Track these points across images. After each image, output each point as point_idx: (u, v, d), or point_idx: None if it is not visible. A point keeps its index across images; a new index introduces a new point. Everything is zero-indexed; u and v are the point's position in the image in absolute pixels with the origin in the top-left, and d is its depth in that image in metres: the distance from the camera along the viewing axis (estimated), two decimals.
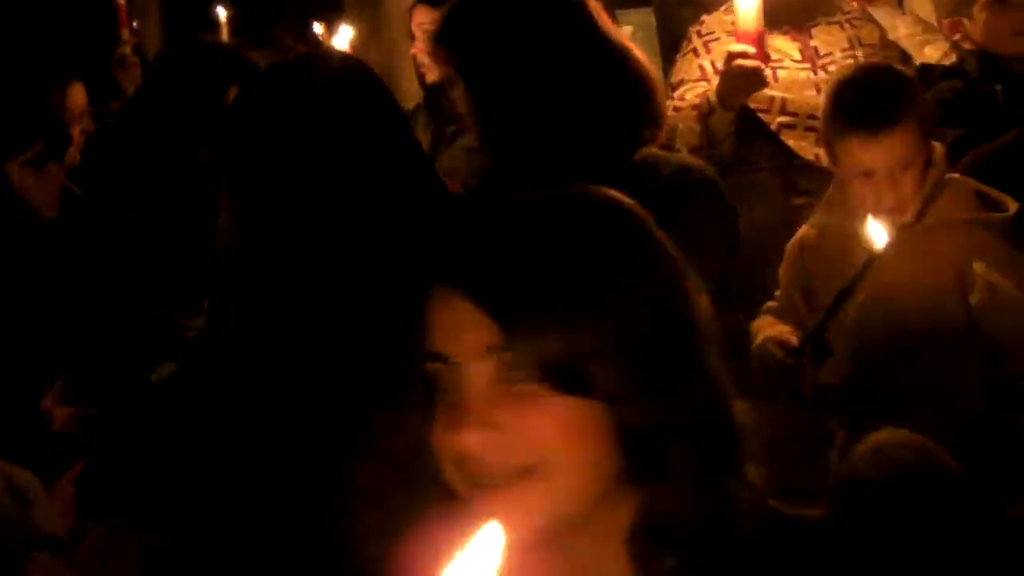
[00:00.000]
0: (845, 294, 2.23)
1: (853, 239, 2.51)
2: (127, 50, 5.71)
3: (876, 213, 2.45)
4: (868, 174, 2.47)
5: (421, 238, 1.49)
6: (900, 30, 3.31)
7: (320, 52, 3.15)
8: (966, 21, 3.32)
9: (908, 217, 2.50)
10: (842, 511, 1.69)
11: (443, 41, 2.09)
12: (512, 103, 2.02)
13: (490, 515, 0.93)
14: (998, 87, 3.13)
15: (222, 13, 5.51)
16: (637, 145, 2.08)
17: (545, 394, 1.07)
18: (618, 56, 2.04)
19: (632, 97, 2.05)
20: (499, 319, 1.08)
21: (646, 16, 5.31)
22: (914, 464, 1.96)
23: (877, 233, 2.17)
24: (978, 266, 2.20)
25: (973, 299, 2.25)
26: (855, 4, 3.38)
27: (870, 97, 2.49)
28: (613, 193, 1.19)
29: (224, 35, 5.30)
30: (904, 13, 3.54)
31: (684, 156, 2.56)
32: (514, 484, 1.08)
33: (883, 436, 2.20)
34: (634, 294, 1.11)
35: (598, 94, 2.01)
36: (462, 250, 1.14)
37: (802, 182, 3.27)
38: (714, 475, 1.11)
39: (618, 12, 6.42)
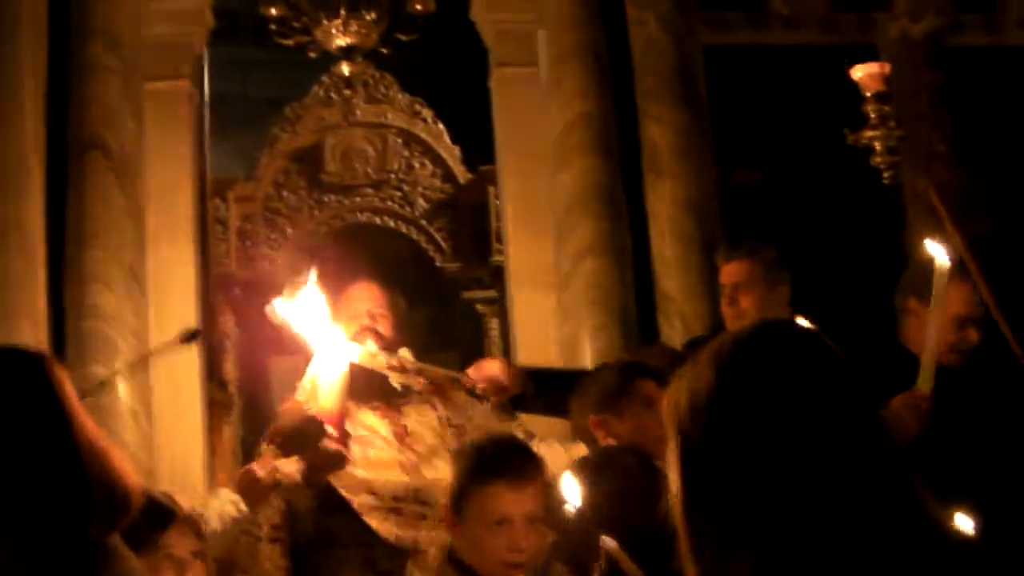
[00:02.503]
0: None
1: None
2: None
3: (508, 563, 2.58)
4: (506, 522, 2.60)
5: None
6: (475, 420, 3.47)
7: None
8: (613, 419, 3.43)
9: None
10: None
11: None
12: None
13: None
14: None
15: None
16: (107, 531, 2.08)
17: None
18: (76, 449, 2.07)
19: (90, 488, 2.07)
20: None
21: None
22: None
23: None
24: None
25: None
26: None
27: (513, 452, 2.72)
28: None
29: None
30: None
31: None
32: None
33: None
34: None
35: (51, 484, 2.03)
36: None
37: (382, 562, 3.32)
38: None
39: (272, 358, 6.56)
